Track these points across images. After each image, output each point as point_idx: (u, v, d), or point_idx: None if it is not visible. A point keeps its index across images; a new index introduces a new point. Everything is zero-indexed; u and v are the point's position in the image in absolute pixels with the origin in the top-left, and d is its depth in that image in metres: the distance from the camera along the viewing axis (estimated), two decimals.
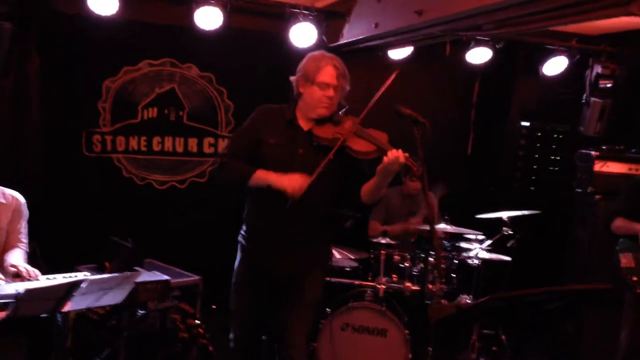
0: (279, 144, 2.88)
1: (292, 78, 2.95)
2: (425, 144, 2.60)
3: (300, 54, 4.87)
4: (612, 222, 3.74)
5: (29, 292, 2.33)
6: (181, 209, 4.98)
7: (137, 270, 2.78)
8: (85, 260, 3.54)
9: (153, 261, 3.90)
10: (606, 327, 4.18)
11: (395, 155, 2.70)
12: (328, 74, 2.84)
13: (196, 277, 3.69)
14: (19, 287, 2.54)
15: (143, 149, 4.91)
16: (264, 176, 2.81)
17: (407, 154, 2.75)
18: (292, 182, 2.73)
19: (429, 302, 4.06)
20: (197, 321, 1.95)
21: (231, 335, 2.96)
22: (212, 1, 4.33)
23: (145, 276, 2.94)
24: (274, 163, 2.85)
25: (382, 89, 2.82)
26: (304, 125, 2.93)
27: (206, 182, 5.08)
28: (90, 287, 2.46)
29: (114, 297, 2.63)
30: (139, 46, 4.79)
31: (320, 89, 2.83)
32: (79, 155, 4.70)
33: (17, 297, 2.36)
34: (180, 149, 5.03)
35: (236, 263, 3.05)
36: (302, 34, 4.64)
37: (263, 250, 2.93)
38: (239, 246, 3.06)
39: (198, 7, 4.34)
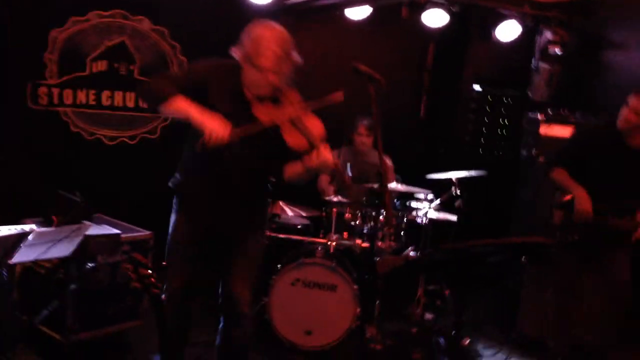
0: (223, 112, 2.69)
1: (232, 50, 2.74)
2: (380, 101, 2.63)
3: (256, 12, 4.87)
4: (552, 171, 3.86)
5: None
6: (131, 165, 4.91)
7: (86, 223, 2.75)
8: (31, 214, 3.47)
9: (102, 216, 3.85)
10: (543, 283, 4.41)
11: (324, 157, 2.64)
12: (269, 59, 2.64)
13: (147, 232, 3.68)
14: None
15: (92, 103, 4.78)
16: (185, 106, 2.63)
17: (335, 158, 2.71)
18: (215, 126, 2.58)
19: (378, 258, 4.17)
20: (149, 271, 1.96)
21: (165, 288, 2.87)
22: None
23: (95, 229, 2.92)
24: None
25: (324, 103, 2.71)
26: (248, 94, 2.80)
27: (157, 138, 5.02)
28: (37, 239, 2.44)
29: (62, 250, 2.61)
30: None
31: (259, 72, 2.67)
32: (24, 108, 4.55)
33: None
34: (131, 104, 4.92)
35: (174, 215, 2.96)
36: None
37: (205, 208, 2.89)
38: (175, 196, 2.97)
39: None
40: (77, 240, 2.61)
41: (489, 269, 2.62)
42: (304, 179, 2.85)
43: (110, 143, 4.89)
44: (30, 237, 2.40)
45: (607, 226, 3.69)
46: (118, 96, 4.86)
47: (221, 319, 3.06)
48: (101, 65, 4.76)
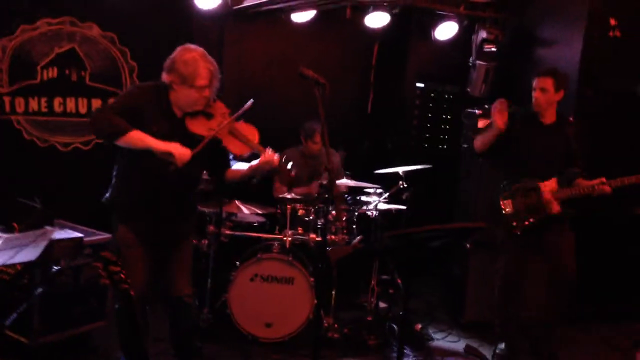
0: (161, 132, 2.98)
1: (165, 75, 3.03)
2: (325, 104, 2.84)
3: (204, 16, 4.99)
4: (474, 144, 4.18)
5: None
6: (87, 171, 4.95)
7: (49, 228, 2.84)
8: None
9: (62, 221, 3.91)
10: (488, 268, 4.68)
11: (270, 158, 3.04)
12: (205, 77, 2.98)
13: (107, 235, 3.76)
14: None
15: (44, 110, 4.81)
16: (143, 138, 2.90)
17: (279, 157, 3.09)
18: (179, 150, 2.90)
19: (329, 248, 4.36)
20: (118, 267, 2.08)
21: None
22: None
23: (58, 234, 3.00)
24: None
25: (243, 110, 3.06)
26: (178, 113, 3.09)
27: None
28: (4, 244, 2.52)
29: (29, 254, 2.70)
30: (37, 4, 4.64)
31: (198, 91, 2.99)
32: None
33: None
34: (83, 110, 4.96)
35: (116, 228, 3.13)
36: None
37: (145, 219, 3.09)
38: (116, 210, 3.14)
39: None
40: (42, 245, 2.70)
41: (433, 254, 2.85)
42: (245, 179, 3.23)
43: (65, 149, 4.92)
44: None
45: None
46: (70, 102, 4.90)
47: (168, 315, 3.33)
48: (52, 73, 4.79)
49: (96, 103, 4.99)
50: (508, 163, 4.16)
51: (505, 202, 4.10)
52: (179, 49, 3.07)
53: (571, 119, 4.23)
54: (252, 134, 3.13)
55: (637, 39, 4.87)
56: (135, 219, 3.10)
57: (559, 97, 4.02)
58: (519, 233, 4.03)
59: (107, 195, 3.18)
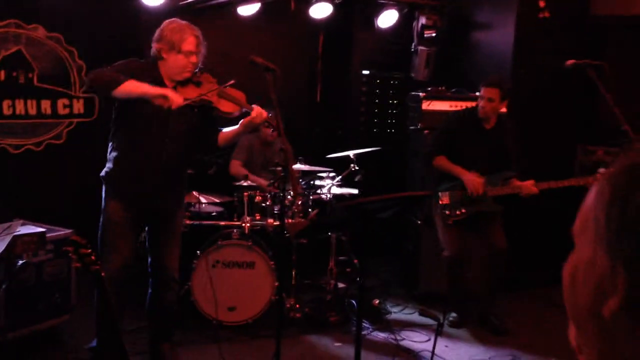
0: (155, 105, 3.10)
1: (154, 45, 3.23)
2: (277, 88, 3.00)
3: (150, 13, 5.04)
4: (434, 160, 4.45)
5: None
6: (40, 171, 4.96)
7: (14, 222, 2.90)
8: None
9: (21, 220, 3.94)
10: (438, 245, 4.93)
11: (259, 112, 3.23)
12: (192, 43, 3.20)
13: (68, 231, 3.82)
14: None
15: None
16: (139, 84, 3.04)
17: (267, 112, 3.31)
18: (172, 93, 3.06)
19: (288, 234, 4.52)
20: (88, 250, 2.17)
21: (107, 267, 3.12)
22: None
23: (23, 229, 3.06)
24: (152, 118, 3.17)
25: (227, 84, 3.29)
26: (169, 84, 3.26)
27: (63, 143, 5.09)
28: None
29: None
30: None
31: (185, 56, 3.19)
32: None
33: None
34: (33, 112, 4.96)
35: (106, 202, 3.29)
36: None
37: (141, 191, 3.24)
38: (108, 184, 3.30)
39: None
40: (7, 239, 2.76)
41: (387, 229, 3.01)
42: (239, 137, 3.60)
43: (16, 152, 4.91)
44: None
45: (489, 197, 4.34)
46: (19, 104, 4.89)
47: (150, 286, 3.47)
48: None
49: (45, 104, 5.00)
50: (454, 160, 4.44)
51: (442, 194, 4.44)
52: (165, 21, 3.29)
53: (504, 109, 4.50)
54: (240, 95, 3.35)
55: (564, 18, 5.20)
56: (126, 190, 3.23)
57: (503, 106, 4.37)
58: (450, 223, 4.39)
59: (102, 172, 3.32)
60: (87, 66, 5.09)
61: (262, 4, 5.34)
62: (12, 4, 4.72)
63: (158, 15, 5.18)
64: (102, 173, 3.33)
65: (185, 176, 3.53)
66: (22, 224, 3.39)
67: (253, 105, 3.29)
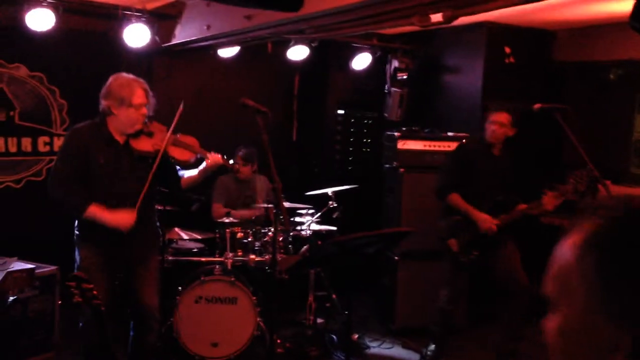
0: (108, 162, 3.30)
1: (103, 102, 3.35)
2: (268, 129, 3.14)
3: (133, 53, 5.17)
4: (447, 197, 4.32)
5: None
6: (19, 208, 4.96)
7: (8, 259, 2.93)
8: None
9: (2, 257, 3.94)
10: (415, 279, 5.07)
11: (215, 158, 3.49)
12: (141, 95, 3.34)
13: (53, 267, 3.83)
14: None
15: None
16: (98, 214, 3.21)
17: (222, 155, 3.58)
18: (122, 220, 3.20)
19: (270, 270, 4.60)
20: (90, 285, 2.23)
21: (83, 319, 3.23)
22: (44, 3, 4.40)
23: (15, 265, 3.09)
24: (106, 179, 3.30)
25: (176, 118, 3.44)
26: (120, 139, 3.38)
27: (43, 180, 5.10)
28: None
29: None
30: None
31: (136, 109, 3.32)
32: None
33: None
34: (13, 149, 4.99)
35: (78, 246, 3.37)
36: (135, 35, 4.84)
37: (108, 239, 3.31)
38: (79, 231, 3.39)
39: (29, 8, 4.36)
40: (0, 275, 2.80)
41: (368, 262, 3.12)
42: (200, 181, 3.79)
43: None
44: None
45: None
46: (0, 142, 4.92)
47: (131, 328, 3.53)
48: None
49: (26, 142, 5.04)
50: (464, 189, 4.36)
51: (450, 241, 4.35)
52: (111, 77, 3.40)
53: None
54: (193, 142, 3.53)
55: (528, 64, 5.53)
56: (95, 238, 3.30)
57: (513, 132, 4.36)
58: (466, 265, 4.35)
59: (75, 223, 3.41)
60: (69, 105, 5.16)
61: (242, 47, 5.52)
62: None
63: (140, 56, 5.33)
64: (75, 220, 3.42)
65: (154, 219, 3.61)
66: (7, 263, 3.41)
67: (208, 154, 3.52)
